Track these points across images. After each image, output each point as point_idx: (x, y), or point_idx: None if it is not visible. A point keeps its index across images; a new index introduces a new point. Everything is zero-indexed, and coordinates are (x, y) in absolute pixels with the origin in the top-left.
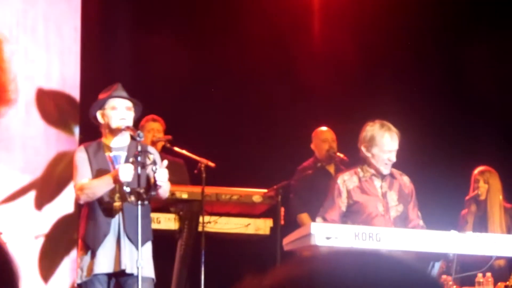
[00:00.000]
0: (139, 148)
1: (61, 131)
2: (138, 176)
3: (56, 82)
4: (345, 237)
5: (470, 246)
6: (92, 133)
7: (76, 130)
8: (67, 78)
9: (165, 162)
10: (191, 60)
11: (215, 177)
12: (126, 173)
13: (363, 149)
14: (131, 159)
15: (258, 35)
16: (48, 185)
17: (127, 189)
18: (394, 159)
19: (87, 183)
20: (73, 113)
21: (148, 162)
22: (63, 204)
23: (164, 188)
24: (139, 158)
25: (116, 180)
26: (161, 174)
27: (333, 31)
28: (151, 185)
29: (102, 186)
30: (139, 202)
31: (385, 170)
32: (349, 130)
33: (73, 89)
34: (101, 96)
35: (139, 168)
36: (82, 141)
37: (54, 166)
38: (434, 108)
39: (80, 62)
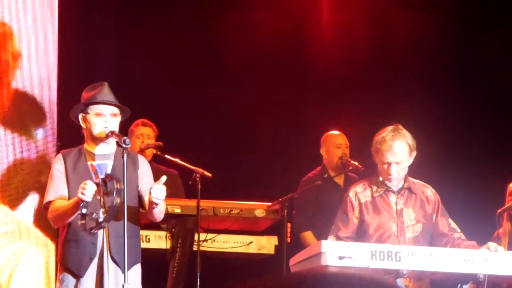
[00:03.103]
0: (125, 156)
1: (19, 135)
2: (99, 202)
3: (15, 78)
4: (360, 256)
5: (502, 266)
6: (73, 140)
7: (38, 133)
8: (29, 74)
9: (164, 178)
10: (186, 56)
11: (212, 189)
12: (84, 191)
13: (373, 155)
14: (97, 180)
15: (259, 36)
16: (3, 197)
17: (84, 211)
18: (393, 173)
19: (57, 206)
20: (34, 114)
21: (114, 189)
22: (23, 218)
23: (160, 208)
24: (109, 185)
25: (79, 200)
26: (157, 192)
27: (344, 29)
28: (106, 216)
29: (70, 210)
30: (92, 231)
31: (390, 184)
32: (360, 135)
33: (40, 87)
34: (85, 95)
35: (103, 194)
36: (60, 148)
37: (11, 175)
38: (462, 113)
39: (57, 57)
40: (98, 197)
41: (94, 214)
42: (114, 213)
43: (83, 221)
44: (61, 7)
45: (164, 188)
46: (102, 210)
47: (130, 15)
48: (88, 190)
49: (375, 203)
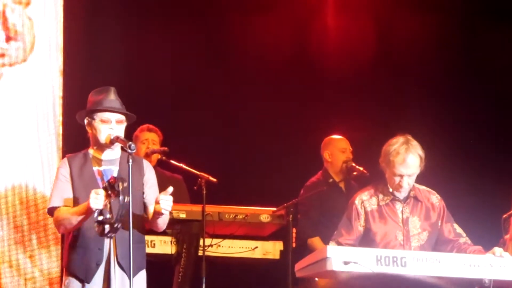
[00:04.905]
0: (130, 161)
1: (23, 139)
2: (110, 205)
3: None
4: (365, 261)
5: (508, 271)
6: (77, 144)
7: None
8: (33, 78)
9: (171, 188)
10: (192, 61)
11: (217, 194)
12: (96, 200)
13: (381, 164)
14: (104, 185)
15: (263, 44)
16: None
17: (100, 218)
18: (405, 185)
19: (63, 213)
20: (38, 118)
21: (119, 189)
22: None
23: (164, 219)
24: (116, 186)
25: (89, 208)
26: (166, 203)
27: (351, 35)
28: (117, 216)
29: (78, 217)
30: (109, 235)
31: (399, 194)
32: (364, 140)
33: (44, 91)
34: (91, 99)
35: (114, 196)
36: (65, 153)
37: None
38: (468, 118)
39: (62, 60)
40: (107, 203)
41: (111, 218)
42: (123, 212)
43: (100, 228)
44: (67, 8)
45: (171, 198)
46: (110, 214)
47: (136, 17)
48: (100, 199)
49: (381, 211)
